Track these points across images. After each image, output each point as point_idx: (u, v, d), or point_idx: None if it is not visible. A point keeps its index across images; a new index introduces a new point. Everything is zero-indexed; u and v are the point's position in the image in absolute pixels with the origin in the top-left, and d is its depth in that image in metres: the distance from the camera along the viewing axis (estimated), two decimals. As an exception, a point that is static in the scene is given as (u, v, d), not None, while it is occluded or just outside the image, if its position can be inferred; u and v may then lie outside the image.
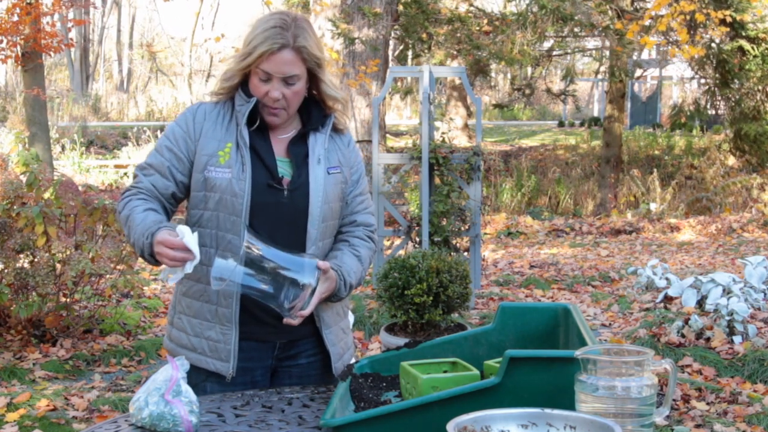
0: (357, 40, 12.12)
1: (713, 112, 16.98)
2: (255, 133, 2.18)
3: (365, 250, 2.26)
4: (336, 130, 2.27)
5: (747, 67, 13.47)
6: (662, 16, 11.39)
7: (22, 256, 5.44)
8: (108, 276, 5.67)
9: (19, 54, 11.13)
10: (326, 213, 2.19)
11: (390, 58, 15.70)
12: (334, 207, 2.22)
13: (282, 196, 2.15)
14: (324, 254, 2.21)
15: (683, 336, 5.49)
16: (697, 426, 4.20)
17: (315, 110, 2.23)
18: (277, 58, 2.09)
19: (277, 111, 2.15)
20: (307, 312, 2.00)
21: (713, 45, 13.14)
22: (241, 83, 2.18)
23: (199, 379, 2.17)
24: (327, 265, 2.04)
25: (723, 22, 11.65)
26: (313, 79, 2.18)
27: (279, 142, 2.22)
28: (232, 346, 2.16)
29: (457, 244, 6.94)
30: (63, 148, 17.06)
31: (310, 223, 2.16)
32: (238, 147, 2.15)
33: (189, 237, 1.95)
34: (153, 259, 2.04)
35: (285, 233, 2.14)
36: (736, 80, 13.98)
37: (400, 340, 4.16)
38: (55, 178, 5.84)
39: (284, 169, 2.19)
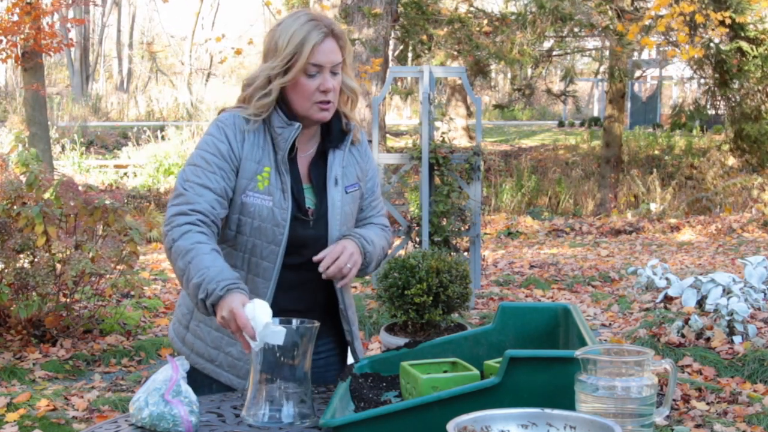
0: (357, 41, 12.12)
1: (713, 112, 16.99)
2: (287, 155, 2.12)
3: (379, 231, 2.24)
4: (354, 144, 2.22)
5: (746, 67, 13.47)
6: (662, 17, 11.39)
7: (22, 256, 5.44)
8: (108, 276, 5.67)
9: (19, 54, 11.13)
10: (343, 233, 2.16)
11: (390, 58, 15.69)
12: (350, 225, 2.20)
13: (308, 227, 2.12)
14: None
15: (683, 336, 5.49)
16: (697, 426, 4.20)
17: (336, 121, 2.16)
18: (324, 47, 2.05)
19: (329, 105, 2.09)
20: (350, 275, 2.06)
21: (712, 45, 13.14)
22: (277, 101, 2.10)
23: (205, 382, 2.16)
24: (322, 254, 2.05)
25: (722, 23, 11.65)
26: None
27: (302, 162, 2.16)
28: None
29: (457, 244, 6.95)
30: (63, 148, 17.06)
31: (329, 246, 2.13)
32: (278, 172, 2.09)
33: (260, 319, 1.78)
34: (207, 309, 1.91)
35: (307, 260, 2.09)
36: (735, 80, 13.98)
37: (400, 340, 4.16)
38: (56, 178, 5.84)
39: (308, 197, 2.15)
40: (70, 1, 12.35)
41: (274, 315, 1.82)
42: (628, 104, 22.41)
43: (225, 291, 1.87)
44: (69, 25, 15.34)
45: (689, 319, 5.57)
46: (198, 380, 2.11)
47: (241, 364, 2.14)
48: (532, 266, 9.08)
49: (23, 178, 5.62)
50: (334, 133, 2.17)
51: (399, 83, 20.36)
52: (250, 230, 2.09)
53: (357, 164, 2.22)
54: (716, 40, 12.94)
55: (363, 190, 2.24)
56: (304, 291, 2.16)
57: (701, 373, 5.02)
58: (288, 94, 2.10)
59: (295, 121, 2.09)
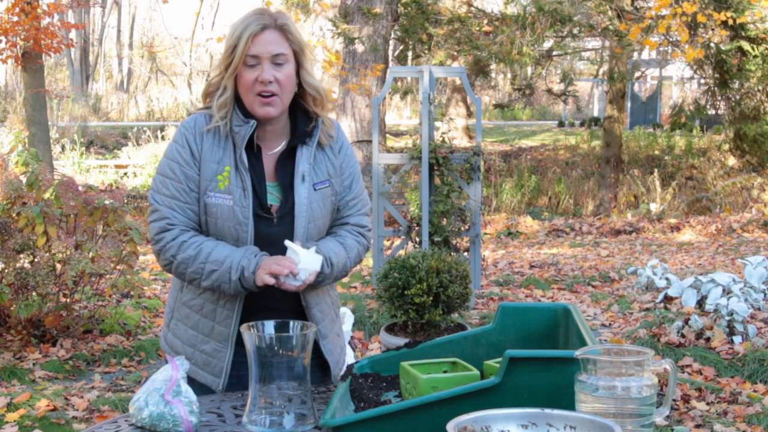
0: (357, 40, 12.12)
1: (713, 112, 16.98)
2: (249, 153, 2.12)
3: (351, 240, 2.22)
4: (323, 141, 2.19)
5: (746, 67, 13.46)
6: (663, 17, 11.38)
7: (22, 256, 5.44)
8: (108, 276, 5.67)
9: (19, 54, 11.13)
10: (311, 232, 2.14)
11: (390, 58, 15.69)
12: (320, 224, 2.17)
13: (272, 224, 2.12)
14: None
15: (683, 336, 5.49)
16: (697, 426, 4.19)
17: (302, 117, 2.16)
18: (262, 38, 2.05)
19: (271, 99, 2.07)
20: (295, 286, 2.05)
21: (712, 45, 13.13)
22: (235, 100, 2.12)
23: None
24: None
25: (725, 24, 11.65)
26: (297, 66, 2.13)
27: (268, 160, 2.16)
28: (225, 363, 2.16)
29: (457, 244, 6.94)
30: (63, 148, 17.06)
31: None
32: (237, 170, 2.09)
33: (298, 254, 2.03)
34: (245, 285, 2.03)
35: (274, 254, 2.10)
36: (735, 80, 13.98)
37: (400, 340, 4.16)
38: (56, 178, 5.84)
39: (272, 194, 2.14)
40: (70, 3, 12.35)
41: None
42: (628, 104, 22.41)
43: (259, 257, 2.03)
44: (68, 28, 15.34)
45: (689, 319, 5.57)
46: None
47: (215, 361, 2.16)
48: (532, 266, 9.08)
49: (23, 178, 5.62)
50: (299, 129, 2.16)
51: (399, 83, 20.36)
52: (215, 230, 2.10)
53: (329, 161, 2.19)
54: (717, 41, 12.94)
55: (337, 190, 2.20)
56: (276, 291, 2.12)
57: (701, 373, 5.02)
58: (238, 90, 2.11)
59: (251, 118, 2.10)
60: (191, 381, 2.14)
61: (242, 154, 2.09)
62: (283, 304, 2.17)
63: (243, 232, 2.08)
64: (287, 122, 2.17)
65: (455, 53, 14.08)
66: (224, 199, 2.08)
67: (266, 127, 2.14)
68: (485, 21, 13.62)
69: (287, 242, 2.04)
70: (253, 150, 2.13)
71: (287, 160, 2.16)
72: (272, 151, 2.17)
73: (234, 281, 2.03)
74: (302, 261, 2.02)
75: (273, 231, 2.11)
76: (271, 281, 2.00)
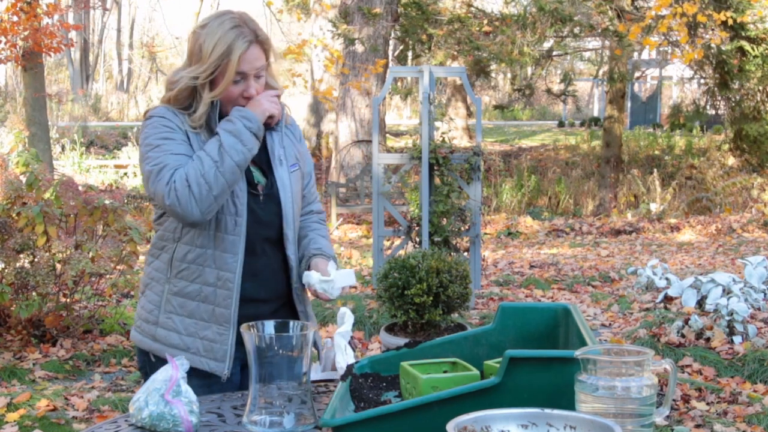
0: (357, 40, 12.12)
1: (713, 112, 16.98)
2: None
3: (324, 229, 2.40)
4: (287, 124, 2.29)
5: (747, 67, 13.46)
6: (663, 17, 11.38)
7: (22, 255, 5.44)
8: (108, 276, 5.67)
9: (19, 54, 11.14)
10: (296, 212, 2.26)
11: (390, 58, 15.69)
12: (300, 204, 2.29)
13: (260, 202, 2.19)
14: (297, 250, 2.29)
15: (683, 336, 5.49)
16: (697, 426, 4.20)
17: None
18: (249, 56, 2.10)
19: None
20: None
21: (713, 46, 13.13)
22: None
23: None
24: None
25: (724, 24, 11.65)
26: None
27: None
28: (228, 346, 2.17)
29: (457, 244, 6.94)
30: (63, 148, 17.06)
31: (286, 225, 2.22)
32: None
33: (333, 274, 2.16)
34: (256, 132, 2.09)
35: (264, 236, 2.20)
36: (735, 81, 13.98)
37: (400, 340, 4.16)
38: (56, 178, 5.85)
39: (255, 174, 2.22)
40: (71, 4, 12.35)
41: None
42: (628, 104, 22.42)
43: (238, 109, 2.10)
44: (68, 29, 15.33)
45: (689, 319, 5.57)
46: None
47: (218, 346, 2.18)
48: (532, 266, 9.08)
49: (23, 178, 5.62)
50: None
51: (399, 83, 20.36)
52: None
53: (294, 146, 2.30)
54: (717, 42, 12.94)
55: (304, 173, 2.32)
56: (264, 278, 2.22)
57: (701, 373, 5.02)
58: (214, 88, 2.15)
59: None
60: (194, 372, 2.14)
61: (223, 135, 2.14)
62: (275, 292, 2.27)
63: (240, 205, 2.15)
64: None
65: (455, 53, 14.08)
66: None
67: None
68: (485, 21, 13.62)
69: (312, 275, 2.16)
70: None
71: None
72: None
73: (244, 132, 2.05)
74: (337, 281, 2.14)
75: (259, 208, 2.19)
76: (276, 110, 2.14)
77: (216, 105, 2.15)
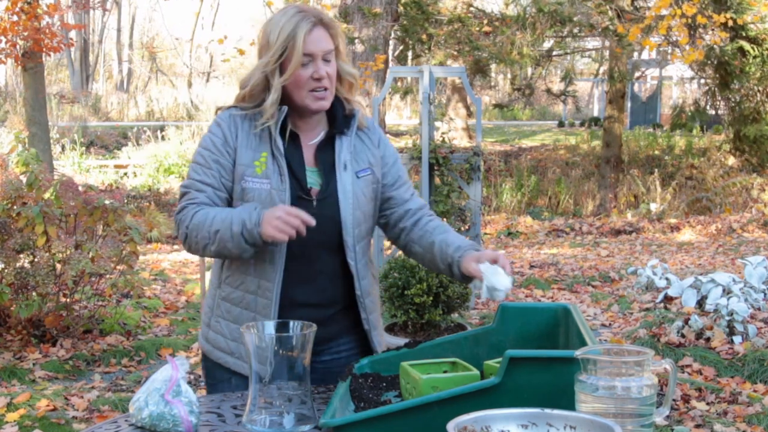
0: (357, 40, 12.12)
1: (713, 112, 16.97)
2: (287, 140, 2.17)
3: (441, 226, 2.26)
4: (361, 128, 2.25)
5: (747, 68, 13.46)
6: (663, 17, 11.38)
7: (22, 256, 5.44)
8: (108, 276, 5.67)
9: (19, 54, 11.13)
10: (358, 218, 2.18)
11: (390, 58, 15.69)
12: (366, 210, 2.21)
13: (311, 207, 2.13)
14: (361, 257, 2.20)
15: (683, 336, 5.49)
16: (697, 426, 4.20)
17: (339, 107, 2.21)
18: (314, 36, 2.10)
19: (324, 94, 2.13)
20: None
21: (715, 47, 13.12)
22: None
23: (224, 377, 2.21)
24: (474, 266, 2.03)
25: (725, 25, 11.64)
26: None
27: (308, 149, 2.20)
28: (269, 353, 2.16)
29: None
30: (63, 148, 17.06)
31: (345, 231, 2.15)
32: (273, 157, 2.13)
33: (492, 274, 1.97)
34: (249, 239, 2.02)
35: (318, 243, 2.14)
36: (736, 81, 13.97)
37: (400, 340, 4.16)
38: (56, 178, 5.84)
39: (312, 178, 2.17)
40: (70, 4, 12.35)
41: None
42: (628, 104, 22.41)
43: (259, 209, 2.02)
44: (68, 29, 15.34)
45: (689, 319, 5.57)
46: (217, 375, 2.22)
47: (261, 351, 2.16)
48: (532, 266, 9.08)
49: (23, 178, 5.62)
50: (338, 118, 2.20)
51: (399, 83, 20.36)
52: None
53: (368, 150, 2.24)
54: (717, 43, 12.93)
55: (378, 178, 2.24)
56: (319, 284, 2.18)
57: (701, 373, 5.02)
58: (287, 87, 2.14)
59: (284, 105, 2.14)
60: (239, 376, 2.18)
61: (277, 140, 2.14)
62: (330, 298, 2.21)
63: None
64: (324, 112, 2.21)
65: (455, 53, 14.08)
66: (261, 183, 2.12)
67: (304, 117, 2.19)
68: (485, 21, 13.62)
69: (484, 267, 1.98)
70: (292, 139, 2.18)
71: (327, 148, 2.20)
72: (311, 141, 2.21)
73: (236, 234, 2.02)
74: (502, 282, 1.96)
75: (312, 214, 2.11)
76: (284, 238, 1.99)
77: (284, 111, 2.13)
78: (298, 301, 2.17)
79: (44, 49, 11.14)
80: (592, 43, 20.10)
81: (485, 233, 12.25)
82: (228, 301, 2.21)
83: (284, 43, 2.09)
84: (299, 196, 2.13)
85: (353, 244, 2.17)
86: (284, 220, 1.97)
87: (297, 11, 2.13)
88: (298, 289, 2.16)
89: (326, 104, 2.15)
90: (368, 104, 13.01)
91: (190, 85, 28.46)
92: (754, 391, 4.71)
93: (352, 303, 2.23)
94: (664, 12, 11.19)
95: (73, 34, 22.21)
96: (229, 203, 2.16)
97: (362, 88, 10.95)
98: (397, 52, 17.66)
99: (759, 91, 14.54)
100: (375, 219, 2.27)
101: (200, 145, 2.19)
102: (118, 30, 35.61)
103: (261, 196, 2.11)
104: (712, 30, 12.45)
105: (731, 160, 16.12)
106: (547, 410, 1.46)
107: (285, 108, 2.14)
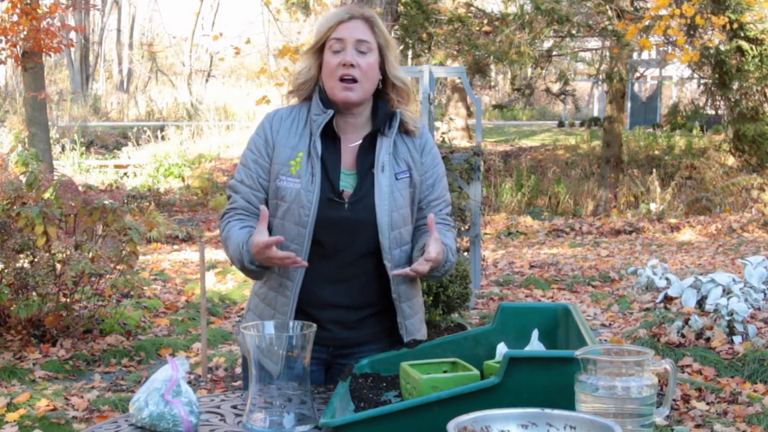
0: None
1: (713, 112, 16.96)
2: (328, 142, 2.15)
3: (450, 232, 2.27)
4: (407, 132, 2.21)
5: (745, 67, 13.46)
6: (662, 17, 11.38)
7: (22, 256, 5.44)
8: (108, 276, 5.67)
9: (19, 54, 11.13)
10: (396, 221, 2.14)
11: (390, 58, 15.64)
12: (405, 213, 2.17)
13: (343, 210, 2.12)
14: (401, 264, 2.15)
15: (683, 336, 5.49)
16: (697, 426, 4.19)
17: (382, 106, 2.18)
18: (348, 24, 2.12)
19: (352, 84, 2.10)
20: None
21: (712, 47, 13.12)
22: (317, 87, 2.18)
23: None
24: (432, 254, 2.04)
25: (723, 27, 11.64)
26: (382, 60, 2.16)
27: (349, 152, 2.18)
28: (283, 350, 2.16)
29: (457, 244, 6.94)
30: (63, 148, 17.06)
31: (381, 234, 2.11)
32: (309, 157, 2.13)
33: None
34: (256, 268, 2.11)
35: (352, 245, 2.13)
36: (734, 81, 13.97)
37: (400, 340, 4.16)
38: (55, 178, 5.85)
39: (347, 181, 2.15)
40: (70, 4, 12.35)
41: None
42: (628, 104, 22.39)
43: (245, 245, 2.08)
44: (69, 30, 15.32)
45: (689, 319, 5.57)
46: (248, 369, 2.24)
47: (261, 350, 2.18)
48: (532, 266, 9.08)
49: (23, 178, 5.62)
50: (380, 115, 2.18)
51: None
52: (282, 213, 2.15)
53: (409, 153, 2.20)
54: (716, 43, 12.93)
55: (417, 183, 2.20)
56: (352, 286, 2.16)
57: (701, 373, 5.02)
58: (322, 77, 2.17)
59: (330, 108, 2.14)
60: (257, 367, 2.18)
61: (316, 141, 2.13)
62: (364, 300, 2.18)
63: (305, 216, 2.11)
64: (369, 116, 2.20)
65: (455, 53, 14.08)
66: (294, 183, 2.13)
67: (347, 118, 2.17)
68: (485, 21, 13.62)
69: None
70: (332, 139, 2.17)
71: (368, 150, 2.18)
72: (353, 143, 2.19)
73: (240, 266, 2.14)
74: None
75: (343, 216, 2.12)
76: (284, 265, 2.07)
77: (329, 114, 2.14)
78: (328, 302, 2.16)
79: (44, 50, 11.14)
80: (592, 43, 20.10)
81: (485, 233, 12.25)
82: (258, 296, 2.25)
83: (321, 29, 2.15)
84: (330, 199, 2.12)
85: (389, 247, 2.13)
86: (272, 260, 2.04)
87: (343, 7, 2.19)
88: (328, 289, 2.15)
89: (353, 96, 2.11)
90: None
91: (189, 84, 28.44)
92: (754, 391, 4.71)
93: (389, 307, 2.19)
94: (662, 12, 11.19)
95: (72, 34, 22.20)
96: (266, 202, 2.19)
97: None
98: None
99: (758, 90, 14.55)
100: (413, 223, 2.22)
101: (249, 142, 2.24)
102: (118, 30, 35.60)
103: (291, 196, 2.12)
104: (712, 30, 12.44)
105: (731, 160, 16.11)
106: (547, 410, 1.46)
107: (331, 111, 2.13)
